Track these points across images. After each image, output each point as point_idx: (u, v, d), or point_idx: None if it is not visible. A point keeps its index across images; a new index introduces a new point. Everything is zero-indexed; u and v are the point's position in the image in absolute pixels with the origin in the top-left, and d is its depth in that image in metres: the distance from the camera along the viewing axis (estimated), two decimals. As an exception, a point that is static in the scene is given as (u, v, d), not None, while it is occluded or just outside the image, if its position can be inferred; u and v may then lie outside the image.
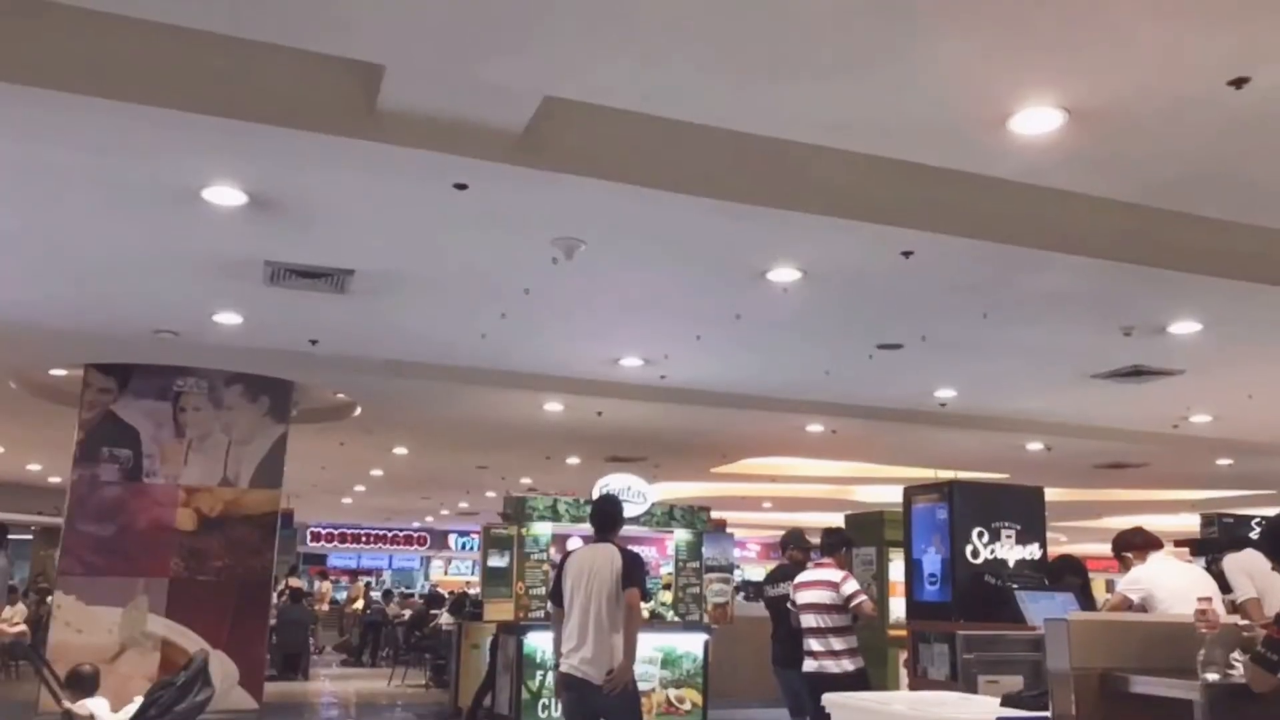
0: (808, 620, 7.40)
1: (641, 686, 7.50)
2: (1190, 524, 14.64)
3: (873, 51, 4.32)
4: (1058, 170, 5.42)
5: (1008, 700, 4.40)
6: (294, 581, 19.35)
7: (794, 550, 8.57)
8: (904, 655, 8.43)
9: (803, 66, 4.45)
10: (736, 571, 15.47)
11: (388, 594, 23.41)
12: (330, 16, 4.12)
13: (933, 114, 4.84)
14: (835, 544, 7.77)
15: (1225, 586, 6.60)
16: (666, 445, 13.65)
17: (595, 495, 9.92)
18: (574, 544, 9.62)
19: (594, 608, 5.81)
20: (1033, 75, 4.50)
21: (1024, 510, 7.66)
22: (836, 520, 11.21)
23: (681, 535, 11.93)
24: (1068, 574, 7.48)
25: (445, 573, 32.65)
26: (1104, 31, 4.11)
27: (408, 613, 18.86)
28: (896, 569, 10.44)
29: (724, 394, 10.62)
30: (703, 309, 7.63)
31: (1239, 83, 4.44)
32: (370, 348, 9.01)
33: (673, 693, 10.40)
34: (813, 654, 7.32)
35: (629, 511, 8.54)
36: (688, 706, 10.44)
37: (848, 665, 7.24)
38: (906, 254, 6.08)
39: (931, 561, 7.54)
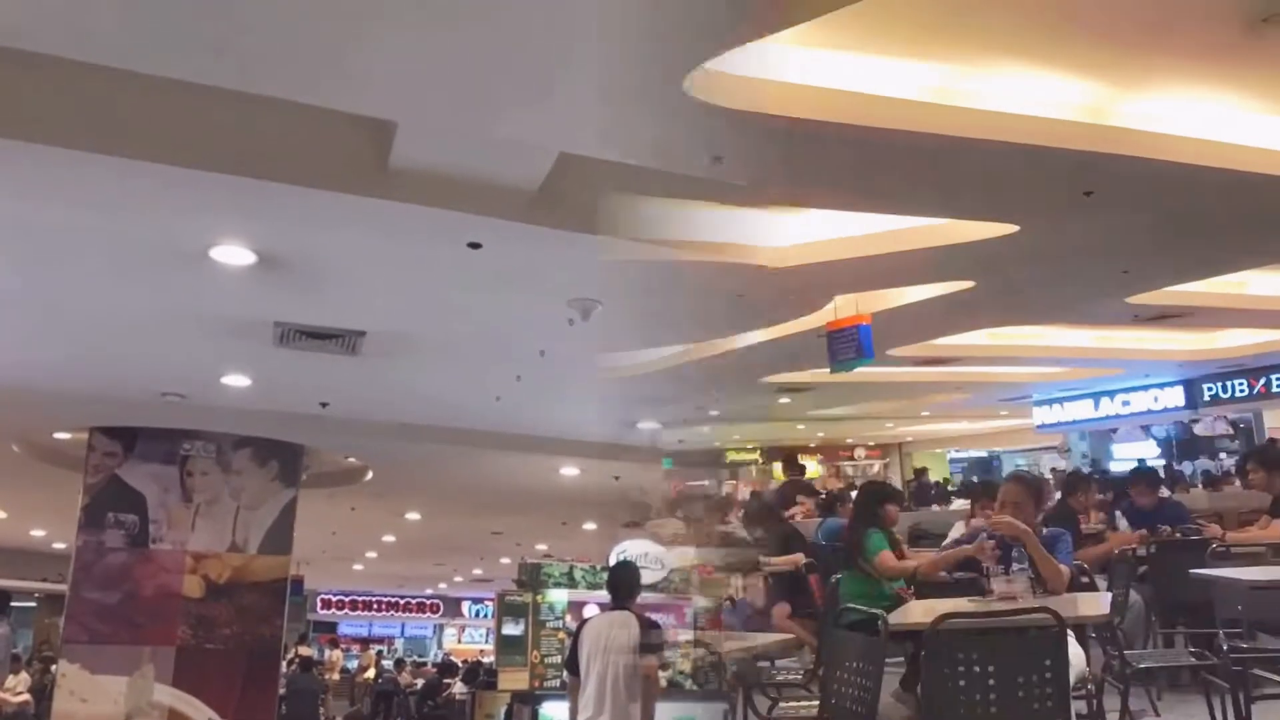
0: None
1: (659, 759, 7.29)
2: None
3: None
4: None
5: None
6: (304, 650, 19.15)
7: (816, 618, 8.38)
8: None
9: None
10: (756, 639, 15.19)
11: (400, 662, 23.19)
12: (340, 72, 4.01)
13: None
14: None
15: None
16: (684, 510, 13.47)
17: (612, 561, 9.76)
18: (590, 611, 9.44)
19: (611, 676, 5.71)
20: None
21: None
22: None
23: (700, 602, 11.71)
24: None
25: (459, 641, 32.43)
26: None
27: (420, 682, 18.66)
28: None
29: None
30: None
31: None
32: (382, 411, 8.89)
33: (692, 765, 10.15)
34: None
35: (646, 578, 8.36)
36: (707, 778, 10.19)
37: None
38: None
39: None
